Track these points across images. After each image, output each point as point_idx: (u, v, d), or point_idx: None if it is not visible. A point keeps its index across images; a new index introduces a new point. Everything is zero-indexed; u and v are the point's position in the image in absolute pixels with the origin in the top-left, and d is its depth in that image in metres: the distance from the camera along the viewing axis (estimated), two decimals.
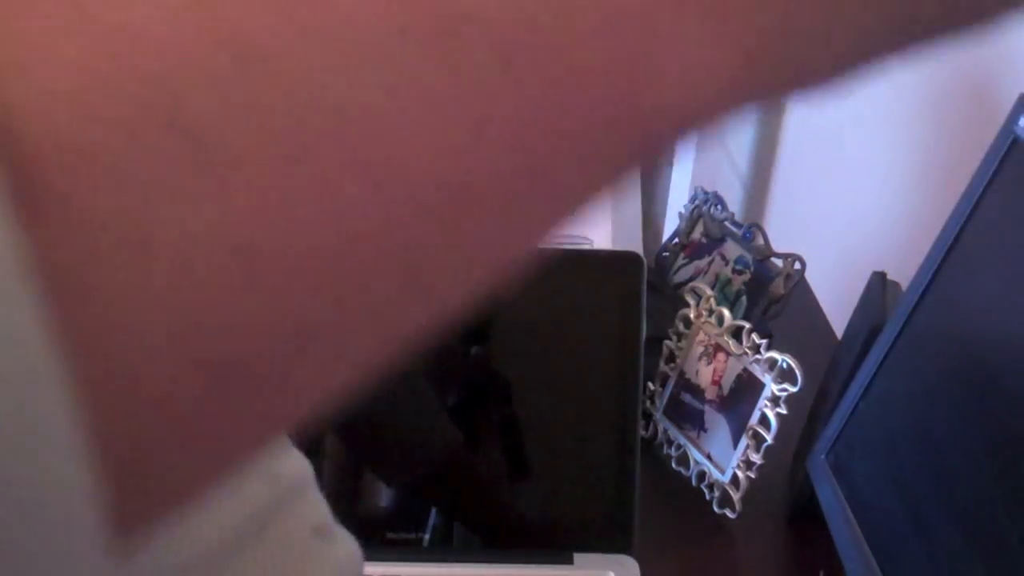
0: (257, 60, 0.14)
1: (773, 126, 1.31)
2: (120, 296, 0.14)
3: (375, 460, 0.66)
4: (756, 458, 0.67)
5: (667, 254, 0.93)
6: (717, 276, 0.86)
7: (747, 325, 0.68)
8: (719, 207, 0.90)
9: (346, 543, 0.38)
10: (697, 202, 0.93)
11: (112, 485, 0.15)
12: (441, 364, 0.66)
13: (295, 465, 0.37)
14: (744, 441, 0.67)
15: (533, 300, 0.66)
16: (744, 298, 0.83)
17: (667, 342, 0.74)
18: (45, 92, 0.14)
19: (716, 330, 0.71)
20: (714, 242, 0.88)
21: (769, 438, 0.66)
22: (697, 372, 0.72)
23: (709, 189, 0.93)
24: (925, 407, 0.55)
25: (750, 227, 0.86)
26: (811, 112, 1.21)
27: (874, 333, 0.62)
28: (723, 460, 0.69)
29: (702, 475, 0.71)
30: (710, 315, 0.72)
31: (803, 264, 0.81)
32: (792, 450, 0.73)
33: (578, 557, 0.65)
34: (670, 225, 1.34)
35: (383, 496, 0.66)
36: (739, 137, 1.43)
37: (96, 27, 0.14)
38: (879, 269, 0.72)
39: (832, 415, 0.63)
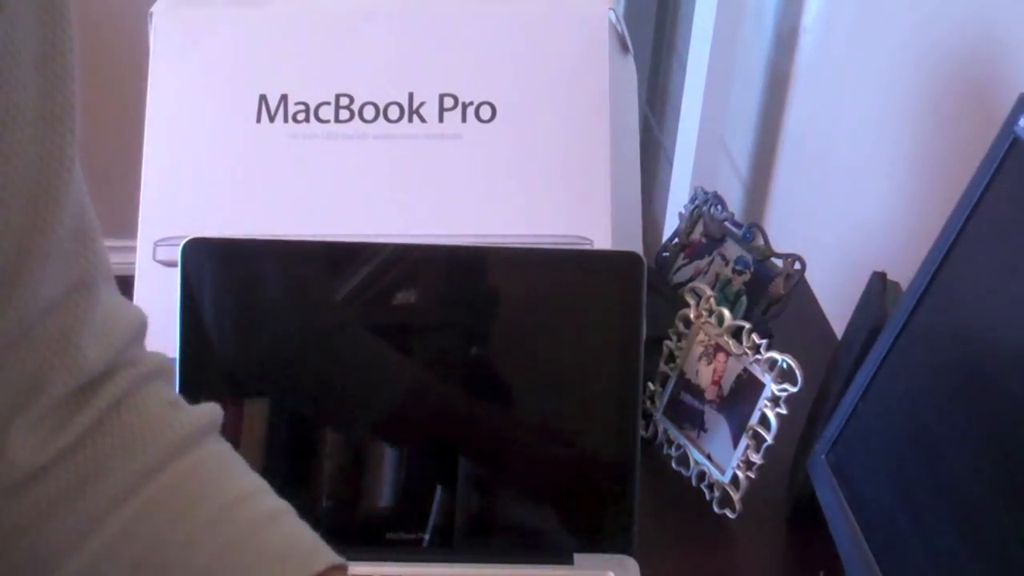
0: None
1: (773, 126, 1.31)
2: None
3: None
4: (756, 458, 0.67)
5: (667, 254, 0.93)
6: (717, 276, 0.86)
7: (747, 325, 0.68)
8: (719, 207, 0.90)
9: (199, 410, 0.43)
10: (697, 202, 0.93)
11: None
12: (441, 364, 0.66)
13: (153, 357, 0.43)
14: (744, 441, 0.67)
15: (533, 300, 0.66)
16: (744, 298, 0.83)
17: (667, 342, 0.74)
18: None
19: (716, 330, 0.71)
20: (714, 242, 0.88)
21: (769, 438, 0.66)
22: (697, 372, 0.72)
23: (709, 189, 0.93)
24: (925, 407, 0.55)
25: (750, 227, 0.86)
26: (811, 112, 1.21)
27: (874, 333, 0.62)
28: (723, 460, 0.69)
29: (702, 475, 0.71)
30: (710, 315, 0.72)
31: (803, 264, 0.81)
32: (792, 450, 0.73)
33: (578, 557, 0.65)
34: (670, 225, 1.34)
35: (383, 496, 0.66)
36: (739, 137, 1.43)
37: None
38: (879, 269, 0.72)
39: (832, 415, 0.63)
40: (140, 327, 0.43)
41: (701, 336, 0.72)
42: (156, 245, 0.74)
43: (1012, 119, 0.51)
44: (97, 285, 0.39)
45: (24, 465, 0.38)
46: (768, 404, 0.66)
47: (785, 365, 0.65)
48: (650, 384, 0.75)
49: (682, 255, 0.92)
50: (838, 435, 0.62)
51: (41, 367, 0.37)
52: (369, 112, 0.76)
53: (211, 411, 0.44)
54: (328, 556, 0.43)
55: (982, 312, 0.52)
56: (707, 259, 0.89)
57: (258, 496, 0.43)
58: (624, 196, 0.81)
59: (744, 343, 0.68)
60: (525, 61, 0.77)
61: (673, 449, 0.74)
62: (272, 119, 0.76)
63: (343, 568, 0.43)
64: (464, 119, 0.76)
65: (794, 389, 0.65)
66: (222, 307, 0.65)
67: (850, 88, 1.08)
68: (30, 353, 0.37)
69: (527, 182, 0.76)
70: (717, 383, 0.70)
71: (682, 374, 0.73)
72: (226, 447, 0.44)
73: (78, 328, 0.38)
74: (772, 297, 0.80)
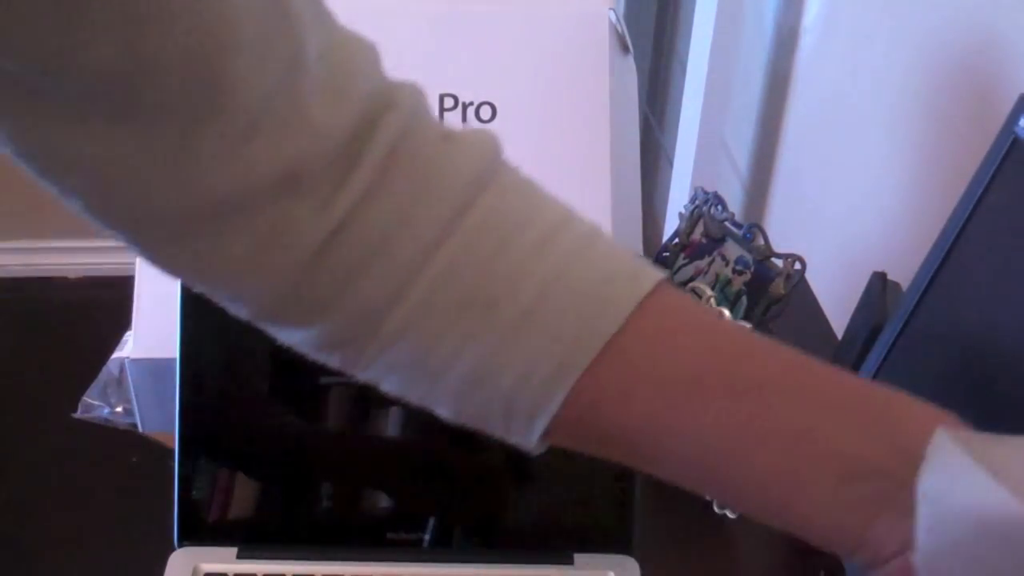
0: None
1: (773, 126, 1.31)
2: None
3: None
4: None
5: (667, 254, 0.93)
6: (717, 276, 0.86)
7: (748, 325, 0.68)
8: (719, 207, 0.90)
9: (477, 137, 0.40)
10: (697, 202, 0.93)
11: None
12: None
13: (405, 90, 0.39)
14: None
15: None
16: (744, 298, 0.83)
17: None
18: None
19: None
20: (714, 242, 0.88)
21: None
22: None
23: (709, 189, 0.93)
24: None
25: (750, 227, 0.86)
26: (811, 112, 1.21)
27: (874, 333, 0.62)
28: None
29: None
30: None
31: (803, 264, 0.81)
32: None
33: (578, 557, 0.65)
34: (670, 225, 1.34)
35: (383, 496, 0.66)
36: (739, 137, 1.43)
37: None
38: (879, 269, 0.72)
39: None
40: (375, 60, 0.39)
41: None
42: None
43: (1012, 119, 0.51)
44: (307, 56, 0.36)
45: (315, 236, 0.36)
46: None
47: None
48: None
49: (682, 255, 0.92)
50: None
51: (288, 155, 0.35)
52: None
53: (487, 136, 0.40)
54: (653, 273, 0.39)
55: (982, 312, 0.52)
56: (707, 259, 0.89)
57: (571, 220, 0.40)
58: (624, 196, 0.81)
59: None
60: (525, 61, 0.77)
61: None
62: None
63: (668, 281, 0.40)
64: (464, 119, 0.76)
65: None
66: (222, 307, 0.64)
67: (850, 88, 1.08)
68: (270, 145, 0.35)
69: None
70: None
71: None
72: (518, 171, 0.41)
73: (308, 102, 0.36)
74: (772, 297, 0.80)
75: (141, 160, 0.34)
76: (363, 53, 0.39)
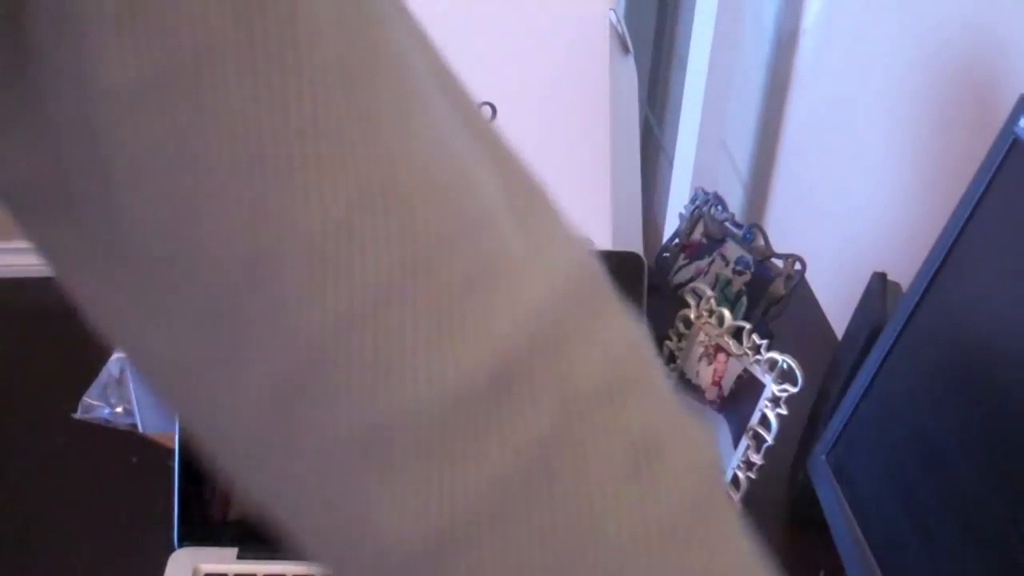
0: None
1: (773, 126, 1.31)
2: None
3: None
4: (756, 459, 0.67)
5: (667, 255, 0.93)
6: (717, 277, 0.86)
7: (747, 326, 0.68)
8: (719, 208, 0.90)
9: (685, 451, 0.25)
10: (697, 203, 0.93)
11: None
12: None
13: (591, 372, 0.25)
14: (744, 442, 0.67)
15: None
16: (744, 299, 0.83)
17: (667, 342, 0.74)
18: None
19: (716, 331, 0.71)
20: (714, 243, 0.88)
21: (769, 439, 0.66)
22: (697, 373, 0.72)
23: (709, 190, 0.93)
24: (925, 407, 0.55)
25: (750, 228, 0.86)
26: (811, 113, 1.21)
27: (874, 333, 0.62)
28: (723, 461, 0.69)
29: None
30: (710, 316, 0.72)
31: (803, 264, 0.81)
32: (792, 450, 0.73)
33: None
34: (670, 225, 1.34)
35: None
36: (739, 137, 1.43)
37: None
38: (879, 269, 0.72)
39: (832, 415, 0.63)
40: (557, 293, 0.26)
41: (701, 336, 0.72)
42: None
43: (1012, 120, 0.51)
44: (496, 278, 0.25)
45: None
46: (768, 404, 0.66)
47: (786, 366, 0.65)
48: None
49: (682, 255, 0.92)
50: (838, 435, 0.62)
51: (379, 411, 0.24)
52: None
53: (698, 443, 0.26)
54: None
55: (983, 312, 0.52)
56: (707, 259, 0.89)
57: None
58: (624, 196, 0.81)
59: (744, 344, 0.68)
60: (525, 61, 0.77)
61: None
62: None
63: None
64: None
65: (794, 389, 0.65)
66: None
67: (850, 89, 1.08)
68: (360, 407, 0.25)
69: None
70: (717, 383, 0.70)
71: (682, 374, 0.73)
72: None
73: (409, 358, 0.24)
74: (772, 298, 0.80)
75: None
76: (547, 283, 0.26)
